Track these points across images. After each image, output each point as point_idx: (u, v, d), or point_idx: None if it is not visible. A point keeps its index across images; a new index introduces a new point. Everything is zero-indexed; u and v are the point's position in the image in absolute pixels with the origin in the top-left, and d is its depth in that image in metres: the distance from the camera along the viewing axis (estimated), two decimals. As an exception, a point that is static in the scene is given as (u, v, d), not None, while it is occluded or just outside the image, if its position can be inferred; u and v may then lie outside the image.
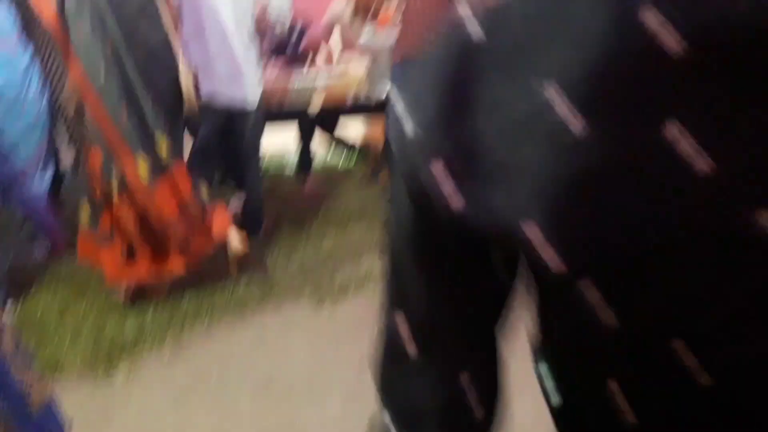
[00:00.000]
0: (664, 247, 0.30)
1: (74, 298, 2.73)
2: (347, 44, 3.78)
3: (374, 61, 3.23)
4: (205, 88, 2.82)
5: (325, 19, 3.76)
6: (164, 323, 2.48)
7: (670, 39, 0.28)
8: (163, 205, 2.42)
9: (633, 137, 0.29)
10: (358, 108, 3.64)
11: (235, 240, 2.72)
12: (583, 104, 0.30)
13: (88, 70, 2.29)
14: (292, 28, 3.77)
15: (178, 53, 2.53)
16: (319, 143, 3.99)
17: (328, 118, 3.80)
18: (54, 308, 2.66)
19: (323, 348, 2.22)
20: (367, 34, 3.27)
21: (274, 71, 3.47)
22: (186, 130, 3.35)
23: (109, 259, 2.51)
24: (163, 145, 2.44)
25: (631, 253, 0.30)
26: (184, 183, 2.49)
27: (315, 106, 3.46)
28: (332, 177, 4.00)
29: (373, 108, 3.64)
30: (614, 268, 0.31)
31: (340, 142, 4.04)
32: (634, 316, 0.32)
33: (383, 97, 3.33)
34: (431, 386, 0.40)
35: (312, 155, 3.86)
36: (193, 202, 2.52)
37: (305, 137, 3.79)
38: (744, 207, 0.29)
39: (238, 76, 2.79)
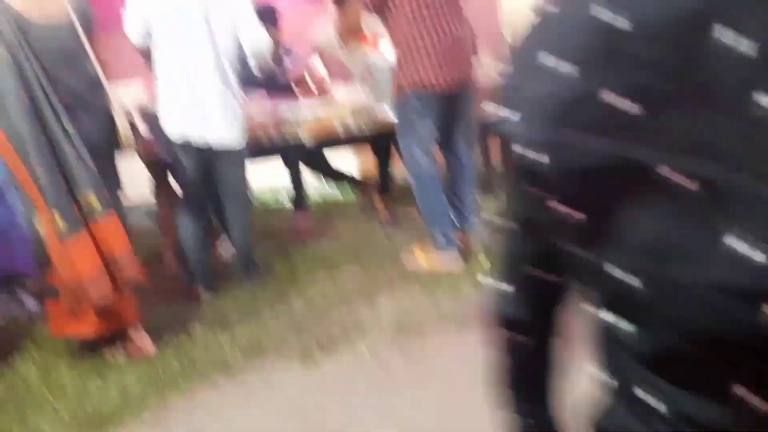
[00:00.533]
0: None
1: (56, 361, 2.65)
2: (333, 71, 3.67)
3: (374, 83, 3.09)
4: (176, 130, 2.74)
5: (309, 46, 3.66)
6: (146, 385, 2.40)
7: None
8: (80, 262, 2.28)
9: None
10: (349, 138, 3.54)
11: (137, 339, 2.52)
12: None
13: (4, 122, 2.22)
14: (277, 59, 3.67)
15: (112, 97, 2.43)
16: (312, 175, 3.89)
17: (318, 150, 3.71)
18: (37, 374, 2.59)
19: (308, 416, 2.12)
20: (364, 56, 3.15)
21: (259, 104, 3.37)
22: (169, 173, 3.30)
23: (53, 310, 2.45)
24: (89, 198, 2.32)
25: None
26: (117, 239, 2.36)
27: (304, 138, 3.37)
28: (327, 210, 3.90)
29: (364, 138, 3.54)
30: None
31: (333, 174, 3.94)
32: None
33: (383, 118, 3.21)
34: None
35: (304, 189, 3.77)
36: (128, 261, 2.38)
37: (295, 171, 3.69)
38: None
39: (211, 118, 2.70)
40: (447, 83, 2.80)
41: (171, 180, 3.44)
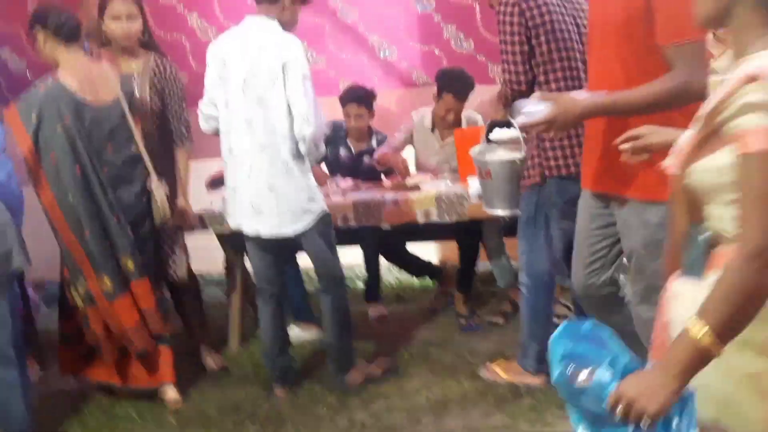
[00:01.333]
0: None
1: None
2: (421, 161, 3.52)
3: (489, 177, 2.68)
4: (233, 220, 2.64)
5: (398, 134, 3.53)
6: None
7: None
8: (125, 318, 2.56)
9: None
10: (431, 228, 3.34)
11: (169, 392, 2.70)
12: None
13: (56, 193, 2.47)
14: (367, 142, 3.58)
15: (152, 173, 2.63)
16: (389, 263, 3.69)
17: (398, 238, 3.52)
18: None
19: None
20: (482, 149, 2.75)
21: (342, 186, 3.25)
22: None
23: (66, 355, 2.72)
24: (127, 262, 2.55)
25: None
26: (145, 299, 2.60)
27: (383, 224, 3.20)
28: (401, 298, 3.68)
29: (448, 229, 3.33)
30: None
31: (411, 266, 3.71)
32: None
33: (472, 211, 2.95)
34: None
35: (379, 277, 3.56)
36: (154, 317, 2.61)
37: (371, 258, 3.51)
38: None
39: (261, 208, 2.53)
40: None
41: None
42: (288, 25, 2.56)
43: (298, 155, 2.51)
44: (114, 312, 2.55)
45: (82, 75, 2.52)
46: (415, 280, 3.86)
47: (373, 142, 3.59)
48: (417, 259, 3.67)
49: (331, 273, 2.69)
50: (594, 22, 1.95)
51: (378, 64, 3.97)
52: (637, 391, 1.03)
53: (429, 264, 3.71)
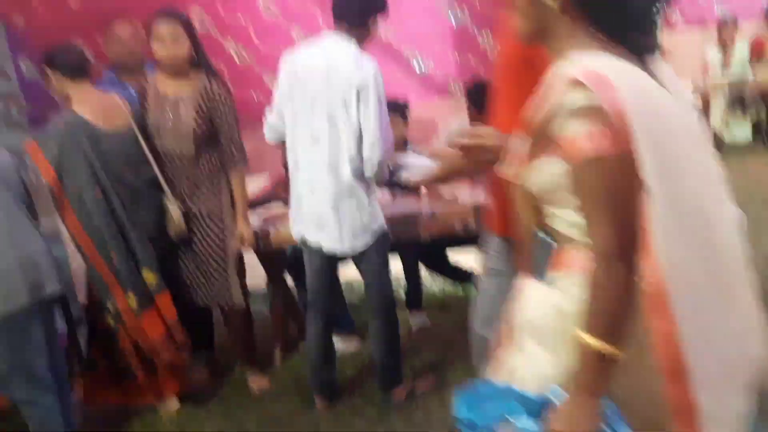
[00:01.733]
0: None
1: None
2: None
3: None
4: (296, 230, 2.64)
5: (434, 144, 3.51)
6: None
7: None
8: (151, 332, 2.66)
9: None
10: (469, 237, 3.29)
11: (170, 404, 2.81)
12: None
13: (81, 216, 2.59)
14: (402, 154, 3.57)
15: (166, 191, 2.74)
16: (430, 273, 3.66)
17: (437, 248, 3.48)
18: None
19: None
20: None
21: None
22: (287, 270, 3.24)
23: (89, 381, 2.75)
24: (148, 276, 2.67)
25: None
26: (168, 311, 2.71)
27: (422, 235, 3.17)
28: (443, 307, 3.62)
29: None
30: None
31: (451, 273, 3.67)
32: None
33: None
34: None
35: (420, 287, 3.52)
36: (179, 329, 2.72)
37: (411, 269, 3.48)
38: None
39: (325, 223, 2.52)
40: None
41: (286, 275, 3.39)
42: (365, 42, 2.49)
43: (361, 175, 2.48)
44: (141, 327, 2.64)
45: (95, 105, 2.66)
46: (458, 289, 3.80)
47: (408, 154, 3.58)
48: (455, 267, 3.62)
49: (383, 297, 2.63)
50: (494, 72, 1.82)
51: (415, 77, 3.98)
52: (568, 423, 1.06)
53: (468, 271, 3.66)
